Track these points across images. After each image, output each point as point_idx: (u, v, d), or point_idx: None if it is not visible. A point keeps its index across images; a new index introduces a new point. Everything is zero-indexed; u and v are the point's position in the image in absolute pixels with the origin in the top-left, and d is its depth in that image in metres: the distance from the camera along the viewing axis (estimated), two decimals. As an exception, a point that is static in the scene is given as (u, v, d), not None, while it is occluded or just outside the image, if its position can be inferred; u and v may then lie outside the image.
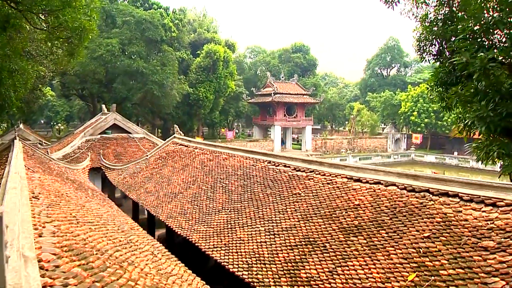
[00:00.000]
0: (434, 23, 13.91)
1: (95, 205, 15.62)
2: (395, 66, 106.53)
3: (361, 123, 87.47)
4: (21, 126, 48.04)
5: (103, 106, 37.12)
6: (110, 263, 8.02)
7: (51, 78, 41.93)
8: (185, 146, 23.86)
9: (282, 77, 77.80)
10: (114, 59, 49.54)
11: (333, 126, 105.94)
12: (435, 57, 14.46)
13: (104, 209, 15.69)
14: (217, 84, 63.66)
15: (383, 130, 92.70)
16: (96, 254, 8.11)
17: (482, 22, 11.19)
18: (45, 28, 21.08)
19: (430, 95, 14.29)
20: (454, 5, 15.31)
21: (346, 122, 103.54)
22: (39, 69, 29.53)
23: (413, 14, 16.80)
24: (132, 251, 10.32)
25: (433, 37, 13.74)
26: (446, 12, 15.05)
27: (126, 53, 51.19)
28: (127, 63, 49.73)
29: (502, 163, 12.12)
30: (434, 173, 23.96)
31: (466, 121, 13.63)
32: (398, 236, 9.25)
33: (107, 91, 54.78)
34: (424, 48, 14.49)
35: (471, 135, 12.18)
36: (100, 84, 53.74)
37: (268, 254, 11.19)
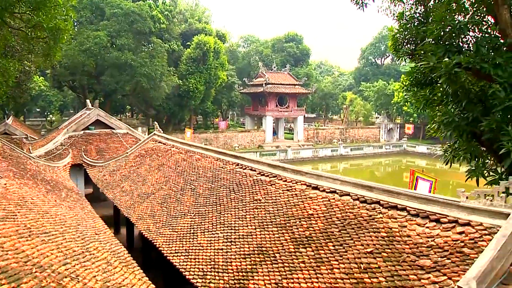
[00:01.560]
0: (409, 22, 13.85)
1: (64, 209, 15.65)
2: (389, 55, 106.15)
3: (354, 113, 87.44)
4: (11, 119, 47.88)
5: (88, 101, 36.98)
6: (48, 281, 8.06)
7: (36, 73, 41.75)
8: (163, 144, 23.87)
9: (274, 67, 77.59)
10: (102, 52, 49.37)
11: (327, 115, 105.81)
12: (410, 56, 14.40)
13: (73, 213, 15.73)
14: (207, 75, 63.45)
15: (377, 120, 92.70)
16: (35, 272, 8.16)
17: (449, 27, 11.16)
18: (22, 28, 21.00)
19: (404, 95, 14.24)
20: (430, 4, 15.26)
21: (341, 111, 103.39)
22: (24, 64, 29.40)
23: (390, 12, 16.70)
24: (84, 262, 10.38)
25: (408, 36, 13.69)
26: (422, 11, 14.99)
27: (115, 45, 50.99)
28: (116, 56, 49.55)
29: (469, 167, 12.17)
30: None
31: (433, 125, 13.67)
32: (344, 250, 9.30)
33: (97, 83, 54.72)
34: (400, 47, 14.43)
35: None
36: (89, 76, 53.69)
37: (223, 262, 11.26)
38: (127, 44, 51.11)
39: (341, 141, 75.15)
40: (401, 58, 14.76)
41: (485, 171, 11.87)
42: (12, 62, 24.05)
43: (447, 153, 13.12)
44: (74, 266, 9.71)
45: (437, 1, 14.59)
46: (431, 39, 12.12)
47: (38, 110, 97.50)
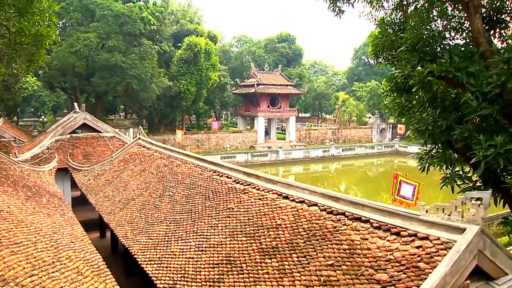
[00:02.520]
0: (389, 28, 13.95)
1: (41, 217, 15.71)
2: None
3: (347, 113, 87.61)
4: (1, 120, 47.84)
5: (75, 104, 37.01)
6: (8, 295, 8.15)
7: (24, 76, 41.78)
8: (147, 148, 23.95)
9: (266, 67, 77.67)
10: (92, 53, 49.37)
11: (320, 115, 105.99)
12: (389, 62, 14.51)
13: (50, 220, 15.78)
14: (198, 76, 63.51)
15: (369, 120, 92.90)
16: (-4, 286, 8.24)
17: (422, 35, 11.27)
18: (5, 34, 21.03)
19: (384, 101, 14.36)
20: (410, 11, 15.36)
21: (334, 111, 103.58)
22: (13, 67, 29.32)
23: (372, 16, 16.80)
24: (53, 272, 10.46)
25: (387, 43, 13.78)
26: (401, 16, 15.10)
27: (105, 47, 51.00)
28: (106, 57, 49.57)
29: (444, 175, 12.28)
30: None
31: (408, 133, 13.83)
32: (307, 262, 9.41)
33: (88, 84, 54.76)
34: (379, 53, 14.54)
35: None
36: (80, 78, 53.70)
37: (192, 271, 11.36)
38: (117, 46, 51.13)
39: (333, 142, 75.36)
40: (381, 64, 14.90)
41: (459, 179, 12.00)
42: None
43: (423, 161, 13.26)
44: (41, 277, 9.80)
45: (416, 7, 14.78)
46: (406, 47, 12.24)
47: (32, 110, 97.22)
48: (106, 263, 22.56)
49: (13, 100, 45.48)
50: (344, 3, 15.63)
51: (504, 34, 13.32)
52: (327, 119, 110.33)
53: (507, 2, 12.73)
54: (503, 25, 13.21)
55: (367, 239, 9.10)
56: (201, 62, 63.31)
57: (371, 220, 9.48)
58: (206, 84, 66.71)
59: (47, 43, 21.65)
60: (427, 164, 13.23)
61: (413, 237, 8.41)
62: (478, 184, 11.50)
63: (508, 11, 12.88)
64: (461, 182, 11.87)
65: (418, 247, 8.11)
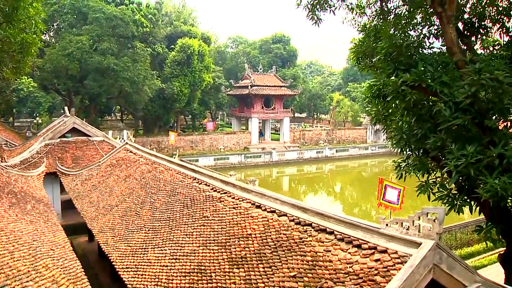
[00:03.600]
0: (369, 35, 14.17)
1: (23, 224, 15.92)
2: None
3: (342, 114, 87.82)
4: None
5: (66, 108, 37.22)
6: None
7: (16, 80, 41.98)
8: (134, 153, 24.17)
9: (260, 69, 77.84)
10: (85, 56, 49.53)
11: (315, 116, 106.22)
12: (371, 68, 14.73)
13: (32, 227, 15.99)
14: (192, 78, 63.72)
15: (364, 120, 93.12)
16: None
17: (397, 45, 11.47)
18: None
19: (366, 108, 14.52)
20: (390, 18, 15.61)
21: (329, 112, 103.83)
22: (4, 71, 29.50)
23: (355, 22, 17.05)
24: (27, 282, 10.69)
25: (368, 49, 14.00)
26: (381, 23, 15.33)
27: (97, 50, 51.17)
28: (98, 60, 49.72)
29: (419, 182, 12.51)
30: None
31: (387, 141, 14.03)
32: (272, 272, 9.63)
33: (82, 86, 54.93)
34: (361, 58, 14.77)
35: None
36: (74, 80, 53.86)
37: (165, 279, 11.59)
38: (109, 48, 51.32)
39: (327, 143, 75.57)
40: (363, 70, 15.12)
41: (435, 187, 12.23)
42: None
43: (400, 168, 13.50)
44: (13, 287, 10.03)
45: (396, 14, 15.00)
46: (379, 57, 12.46)
47: (30, 109, 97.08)
48: (94, 267, 22.92)
49: (6, 104, 45.63)
50: (323, 11, 15.90)
51: (485, 40, 13.58)
52: (323, 119, 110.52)
53: (489, 8, 12.98)
54: (485, 31, 13.47)
55: (330, 251, 9.31)
56: (195, 64, 63.52)
57: (335, 232, 9.66)
58: (200, 86, 66.91)
59: (33, 51, 21.85)
60: (404, 172, 13.50)
61: (373, 250, 8.59)
62: (453, 192, 11.75)
63: (490, 17, 13.13)
64: (437, 190, 12.11)
65: (376, 260, 8.30)
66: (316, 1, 15.47)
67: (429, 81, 10.56)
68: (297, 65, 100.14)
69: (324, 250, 9.41)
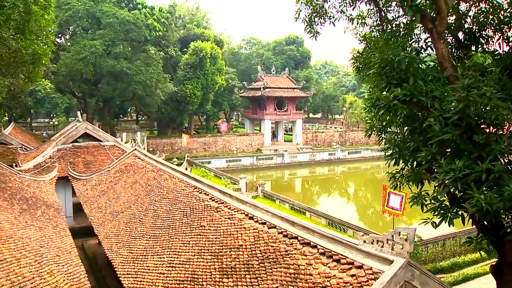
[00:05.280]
0: (369, 45, 14.54)
1: (32, 230, 16.68)
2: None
3: (355, 115, 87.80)
4: (10, 126, 49.14)
5: (78, 113, 38.19)
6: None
7: (30, 87, 43.16)
8: (141, 160, 24.88)
9: (273, 70, 78.30)
10: (99, 60, 50.58)
11: (329, 117, 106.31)
12: (370, 78, 15.12)
13: (41, 234, 16.75)
14: (204, 80, 64.56)
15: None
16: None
17: (389, 59, 11.83)
18: (5, 54, 22.04)
19: (366, 117, 14.84)
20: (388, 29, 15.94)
21: (343, 113, 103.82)
22: (19, 77, 30.51)
23: (357, 32, 17.41)
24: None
25: (366, 60, 14.40)
26: (380, 32, 15.68)
27: (111, 54, 52.20)
28: (112, 64, 50.74)
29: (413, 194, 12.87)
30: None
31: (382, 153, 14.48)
32: (257, 283, 10.16)
33: (96, 89, 56.14)
34: (360, 68, 15.18)
35: None
36: (88, 83, 55.10)
37: (162, 286, 12.21)
38: (122, 52, 52.36)
39: (340, 144, 75.70)
40: (362, 80, 15.51)
41: (427, 199, 12.57)
42: (2, 79, 25.20)
43: (395, 179, 13.87)
44: (16, 295, 10.72)
45: (396, 24, 15.34)
46: (373, 71, 12.83)
47: (47, 109, 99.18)
48: (102, 270, 23.62)
49: (22, 107, 46.85)
50: (321, 24, 16.34)
51: (486, 50, 13.79)
52: (337, 120, 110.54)
53: (492, 17, 13.23)
54: (485, 40, 13.72)
55: (311, 264, 9.77)
56: (207, 66, 64.33)
57: (318, 246, 10.11)
58: (213, 88, 67.75)
59: (45, 61, 22.65)
60: (398, 183, 13.86)
61: (351, 265, 9.02)
62: (445, 203, 12.09)
63: (492, 26, 13.38)
64: (428, 202, 12.46)
65: (352, 276, 8.74)
66: (314, 14, 15.82)
67: (421, 95, 10.82)
68: (311, 66, 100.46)
69: (306, 263, 9.88)
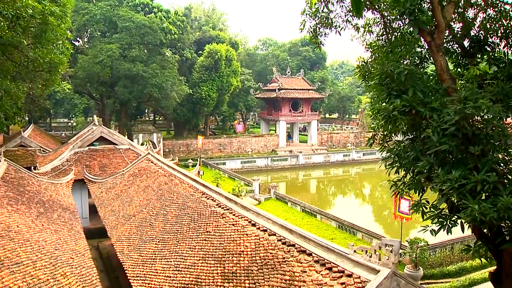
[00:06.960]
0: (375, 53, 15.00)
1: (48, 234, 17.49)
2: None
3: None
4: (30, 128, 50.47)
5: (94, 117, 39.18)
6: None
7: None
8: (154, 164, 25.62)
9: (288, 72, 78.66)
10: (115, 63, 51.66)
11: (345, 117, 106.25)
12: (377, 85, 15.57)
13: (56, 236, 17.55)
14: (220, 82, 65.37)
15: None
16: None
17: (389, 71, 12.28)
18: (23, 63, 22.93)
19: (371, 123, 15.26)
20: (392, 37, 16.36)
21: (359, 114, 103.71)
22: (38, 82, 31.56)
23: (364, 40, 17.86)
24: (45, 290, 12.12)
25: (369, 69, 14.85)
26: (386, 41, 16.12)
27: (127, 57, 53.25)
28: (128, 67, 51.78)
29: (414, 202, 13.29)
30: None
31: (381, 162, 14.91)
32: (255, 288, 10.75)
33: (112, 91, 57.33)
34: (366, 77, 15.64)
35: None
36: (105, 85, 56.30)
37: (167, 290, 12.87)
38: (138, 56, 53.33)
39: (354, 146, 75.77)
40: (368, 88, 15.94)
41: (427, 207, 12.97)
42: (21, 85, 26.16)
43: (396, 187, 14.29)
44: (31, 297, 11.46)
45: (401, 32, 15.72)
46: (374, 82, 13.28)
47: (66, 110, 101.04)
48: (116, 270, 24.41)
49: (41, 110, 48.12)
50: (325, 36, 16.87)
51: (492, 57, 14.05)
52: (353, 121, 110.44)
53: (500, 23, 13.52)
54: (491, 47, 14.02)
55: (306, 271, 10.31)
56: (222, 68, 65.11)
57: (313, 254, 10.64)
58: (228, 90, 68.51)
59: (61, 69, 23.50)
60: (400, 190, 14.29)
61: (341, 274, 9.55)
62: (444, 211, 12.49)
63: (498, 34, 13.69)
64: (428, 210, 12.86)
65: (342, 284, 9.26)
66: (320, 25, 16.31)
67: (420, 106, 11.19)
68: (326, 67, 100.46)
69: (301, 270, 10.42)
